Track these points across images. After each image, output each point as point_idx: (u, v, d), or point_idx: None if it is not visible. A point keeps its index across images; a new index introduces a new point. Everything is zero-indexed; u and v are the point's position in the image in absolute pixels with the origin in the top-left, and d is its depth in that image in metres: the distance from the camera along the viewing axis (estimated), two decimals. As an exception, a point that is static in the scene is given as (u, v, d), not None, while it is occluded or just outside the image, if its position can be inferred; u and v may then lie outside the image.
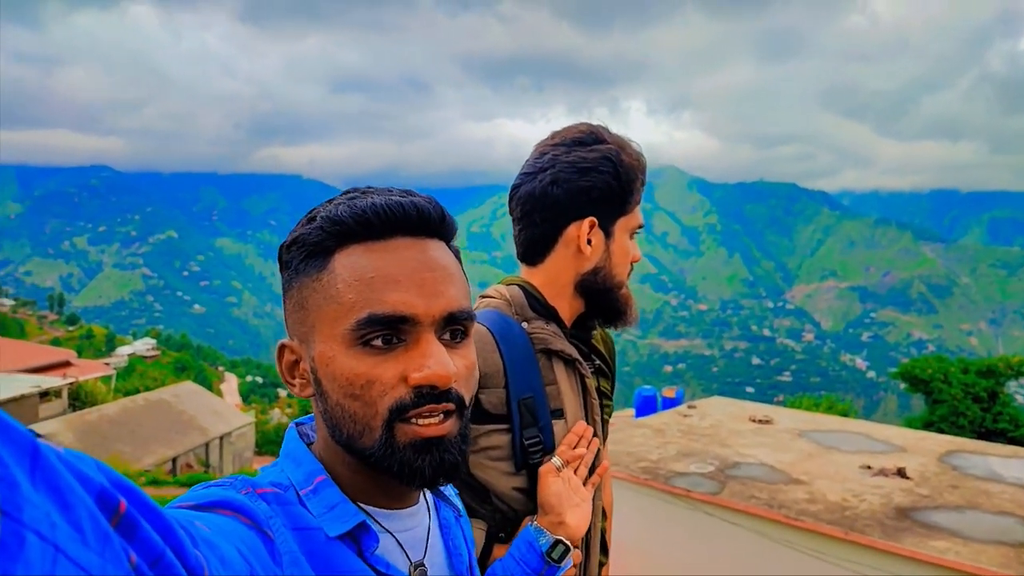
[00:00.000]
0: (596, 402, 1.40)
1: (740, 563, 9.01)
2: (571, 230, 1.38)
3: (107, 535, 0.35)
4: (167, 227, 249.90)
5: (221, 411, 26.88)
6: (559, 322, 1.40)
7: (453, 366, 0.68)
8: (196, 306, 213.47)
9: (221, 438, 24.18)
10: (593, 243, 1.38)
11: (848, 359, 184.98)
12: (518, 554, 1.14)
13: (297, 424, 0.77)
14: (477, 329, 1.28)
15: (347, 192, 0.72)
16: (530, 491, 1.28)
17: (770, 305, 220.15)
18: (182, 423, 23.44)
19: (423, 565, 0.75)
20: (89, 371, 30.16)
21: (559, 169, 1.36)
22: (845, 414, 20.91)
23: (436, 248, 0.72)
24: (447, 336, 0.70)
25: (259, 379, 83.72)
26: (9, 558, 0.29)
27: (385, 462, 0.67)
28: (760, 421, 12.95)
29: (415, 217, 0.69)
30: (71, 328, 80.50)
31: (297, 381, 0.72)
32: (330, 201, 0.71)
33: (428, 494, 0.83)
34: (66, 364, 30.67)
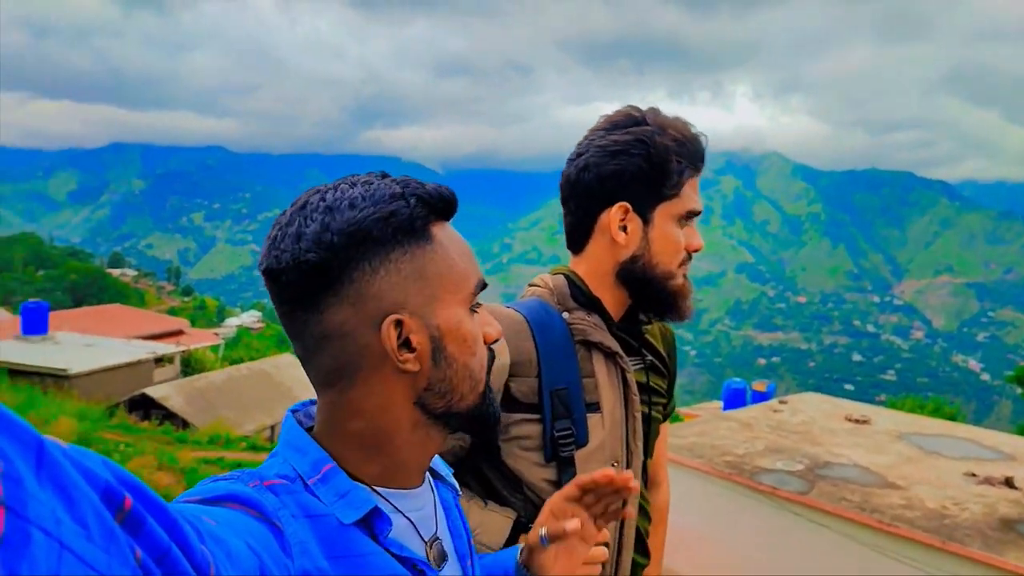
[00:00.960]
0: (636, 398, 1.34)
1: (827, 567, 8.68)
2: (604, 217, 1.34)
3: (112, 531, 0.35)
4: (275, 206, 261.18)
5: (317, 383, 28.00)
6: (603, 313, 1.36)
7: None
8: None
9: (316, 408, 25.21)
10: (629, 230, 1.33)
11: (960, 360, 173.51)
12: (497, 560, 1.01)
13: (293, 411, 0.77)
14: (513, 317, 1.28)
15: (345, 179, 0.74)
16: (559, 483, 1.25)
17: (876, 300, 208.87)
18: (280, 393, 24.58)
19: (437, 538, 0.77)
20: (200, 340, 32.08)
21: (591, 153, 1.32)
22: (952, 418, 19.67)
23: None
24: None
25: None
26: (15, 554, 0.29)
27: (483, 412, 0.75)
28: (856, 421, 12.38)
29: (454, 204, 0.76)
30: (186, 299, 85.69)
31: (407, 356, 0.71)
32: (394, 181, 0.73)
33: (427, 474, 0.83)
34: (179, 332, 32.74)
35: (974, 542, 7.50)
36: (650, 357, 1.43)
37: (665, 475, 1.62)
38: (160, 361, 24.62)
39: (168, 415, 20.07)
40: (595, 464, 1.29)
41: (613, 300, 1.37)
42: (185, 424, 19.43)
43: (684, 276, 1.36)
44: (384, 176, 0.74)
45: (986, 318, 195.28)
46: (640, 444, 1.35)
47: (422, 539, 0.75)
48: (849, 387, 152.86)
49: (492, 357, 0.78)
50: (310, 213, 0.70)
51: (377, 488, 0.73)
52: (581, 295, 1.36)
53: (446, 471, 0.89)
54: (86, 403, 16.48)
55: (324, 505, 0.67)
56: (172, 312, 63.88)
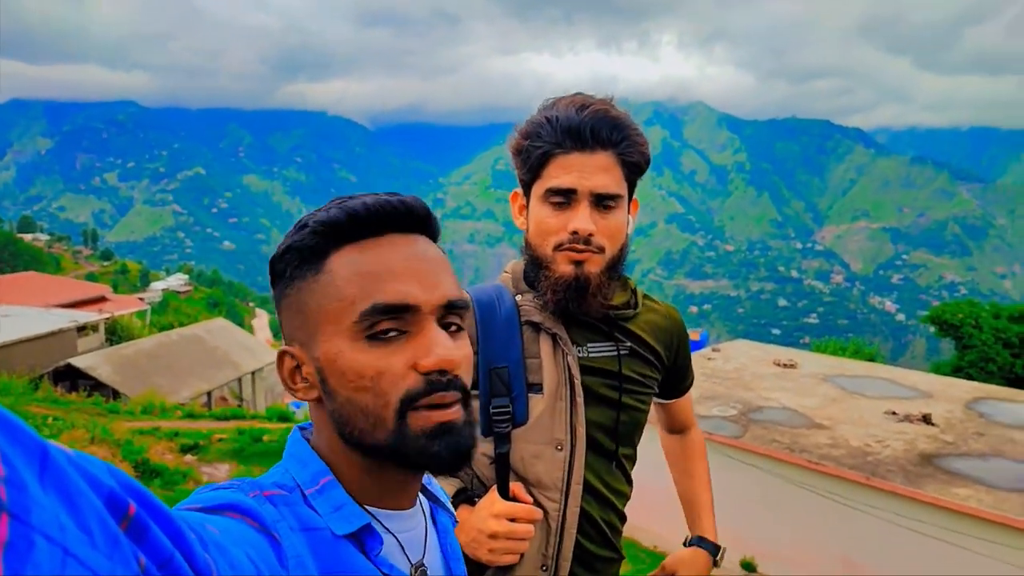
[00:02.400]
0: (578, 381, 1.31)
1: (761, 506, 9.18)
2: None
3: (116, 537, 0.35)
4: (194, 163, 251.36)
5: (252, 347, 27.47)
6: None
7: (459, 352, 0.70)
8: (226, 243, 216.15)
9: (253, 373, 24.80)
10: (524, 214, 1.37)
11: (877, 302, 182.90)
12: None
13: (300, 429, 0.78)
14: None
15: (333, 200, 0.74)
16: (494, 458, 1.29)
17: (798, 246, 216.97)
18: (215, 358, 24.04)
19: (423, 565, 0.76)
20: (124, 306, 30.93)
21: None
22: (872, 358, 20.81)
23: (426, 243, 0.74)
24: (443, 327, 0.72)
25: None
26: (18, 560, 0.29)
27: (401, 451, 0.68)
28: (784, 365, 12.99)
29: (404, 213, 0.72)
30: (105, 263, 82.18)
31: (300, 386, 0.73)
32: (319, 210, 0.73)
33: (423, 498, 0.84)
34: (102, 299, 31.47)
35: (896, 477, 8.05)
36: (628, 343, 1.40)
37: (693, 420, 1.72)
38: (83, 330, 23.66)
39: (96, 386, 19.41)
40: (532, 442, 1.30)
41: None
42: (116, 394, 18.85)
43: (576, 264, 1.28)
44: (353, 197, 0.73)
45: (900, 261, 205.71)
46: (583, 428, 1.32)
47: (409, 561, 0.75)
48: (776, 331, 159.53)
49: (454, 386, 0.69)
50: None
51: (366, 506, 0.73)
52: (530, 277, 1.37)
53: (445, 498, 0.90)
54: (7, 376, 15.75)
55: (320, 518, 0.68)
56: (91, 278, 61.29)
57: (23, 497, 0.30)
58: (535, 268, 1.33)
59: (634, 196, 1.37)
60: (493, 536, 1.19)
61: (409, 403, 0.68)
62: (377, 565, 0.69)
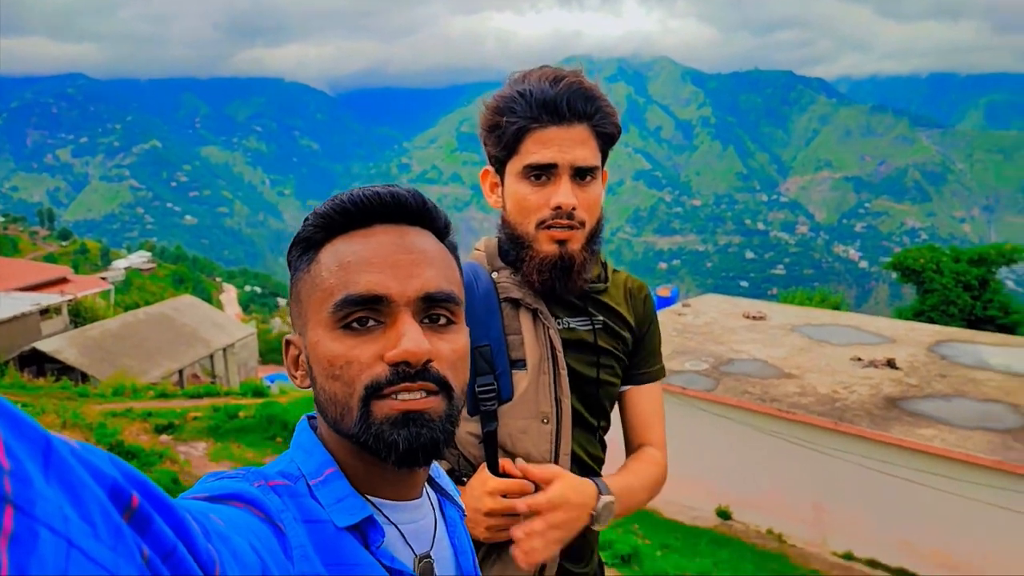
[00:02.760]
0: (561, 354, 1.33)
1: (734, 457, 9.41)
2: None
3: (119, 529, 0.35)
4: (150, 136, 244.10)
5: (222, 323, 27.14)
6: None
7: (427, 344, 0.68)
8: (187, 217, 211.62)
9: (224, 349, 24.54)
10: (498, 192, 1.35)
11: (841, 250, 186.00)
12: None
13: (309, 418, 0.79)
14: None
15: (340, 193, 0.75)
16: (483, 437, 1.29)
17: (764, 199, 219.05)
18: (185, 336, 23.70)
19: (429, 557, 0.76)
20: (87, 287, 30.24)
21: None
22: (837, 307, 21.24)
23: (416, 234, 0.74)
24: (427, 320, 0.71)
25: (257, 289, 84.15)
26: (23, 552, 0.29)
27: (362, 438, 0.68)
28: (754, 317, 13.21)
29: (391, 203, 0.72)
30: (64, 243, 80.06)
31: (299, 373, 0.75)
32: (324, 202, 0.75)
33: (431, 491, 0.83)
34: (63, 281, 30.72)
35: (863, 421, 8.30)
36: (601, 317, 1.40)
37: (657, 440, 1.49)
38: (46, 312, 23.18)
39: (64, 369, 19.08)
40: (518, 418, 1.30)
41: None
42: (84, 377, 18.55)
43: (559, 243, 1.28)
44: (359, 189, 0.74)
45: (863, 209, 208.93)
46: (568, 400, 1.33)
47: (413, 551, 0.75)
48: (744, 284, 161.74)
49: (424, 377, 0.68)
50: None
51: (369, 497, 0.73)
52: (509, 255, 1.36)
53: (454, 491, 0.89)
54: (-31, 364, 15.40)
55: (322, 510, 0.68)
56: (50, 259, 59.82)
57: (28, 490, 0.31)
58: (516, 247, 1.32)
59: (604, 167, 1.36)
60: (489, 514, 1.20)
61: (374, 391, 0.67)
62: (378, 557, 0.69)
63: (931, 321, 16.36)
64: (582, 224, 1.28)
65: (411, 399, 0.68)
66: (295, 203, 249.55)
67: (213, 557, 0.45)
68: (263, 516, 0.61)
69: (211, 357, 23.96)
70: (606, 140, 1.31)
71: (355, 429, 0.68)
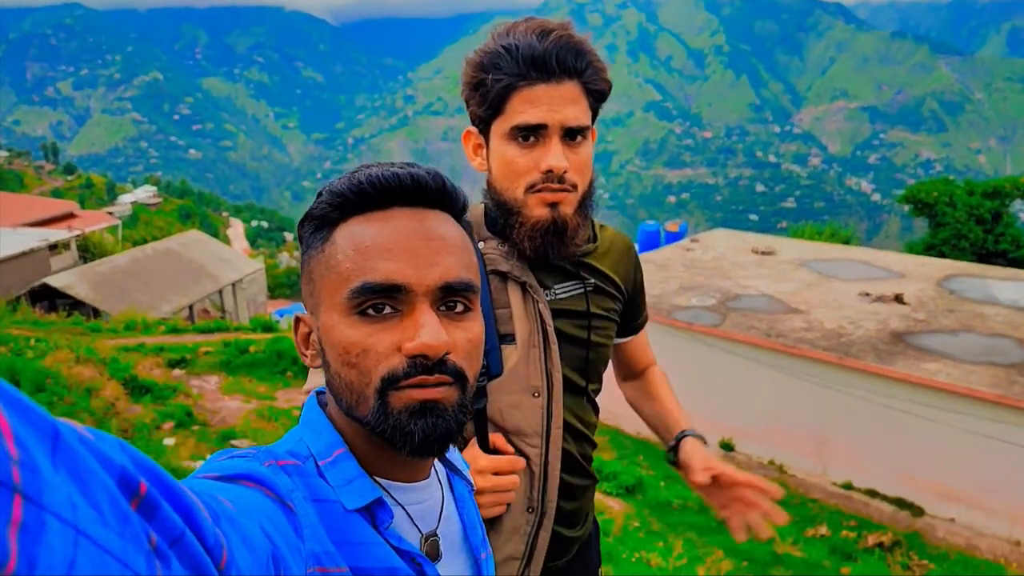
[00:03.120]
0: (551, 327, 1.28)
1: (739, 391, 9.49)
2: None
3: (127, 516, 0.36)
4: (150, 68, 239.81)
5: (230, 258, 27.22)
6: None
7: (446, 336, 0.68)
8: (191, 151, 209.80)
9: (233, 285, 24.69)
10: (482, 154, 1.28)
11: (853, 183, 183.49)
12: None
13: (318, 393, 0.78)
14: None
15: (360, 166, 0.74)
16: (473, 414, 1.23)
17: (777, 130, 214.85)
18: (193, 271, 23.83)
19: (435, 536, 0.76)
20: (94, 222, 30.24)
21: None
22: (847, 241, 21.07)
23: (436, 218, 0.72)
24: (444, 308, 0.70)
25: (264, 223, 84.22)
26: (32, 540, 0.30)
27: (379, 428, 0.68)
28: (762, 252, 13.12)
29: (411, 186, 0.70)
30: (70, 178, 79.77)
31: (309, 352, 0.74)
32: (340, 177, 0.73)
33: (440, 467, 0.83)
34: (70, 216, 30.70)
35: (867, 356, 8.32)
36: (592, 280, 1.36)
37: (652, 359, 1.65)
38: (55, 248, 23.22)
39: (75, 304, 19.28)
40: (509, 393, 1.27)
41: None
42: (96, 312, 18.75)
43: (551, 206, 1.21)
44: (371, 165, 0.73)
45: (877, 140, 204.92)
46: (559, 372, 1.30)
47: (419, 532, 0.75)
48: (753, 217, 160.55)
49: (441, 369, 0.68)
50: None
51: (377, 478, 0.73)
52: (495, 224, 1.30)
53: (463, 465, 0.89)
54: (-18, 300, 15.57)
55: (331, 490, 0.69)
56: (56, 194, 59.76)
57: (36, 479, 0.31)
58: (504, 214, 1.25)
59: (593, 125, 1.27)
60: (480, 492, 1.18)
61: (390, 383, 0.67)
62: (386, 538, 0.70)
63: (942, 255, 16.22)
64: (574, 187, 1.22)
65: (426, 390, 0.68)
66: (300, 136, 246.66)
67: (221, 542, 0.46)
68: (274, 496, 0.61)
69: (220, 292, 24.14)
70: (597, 97, 1.24)
71: (372, 418, 0.68)
